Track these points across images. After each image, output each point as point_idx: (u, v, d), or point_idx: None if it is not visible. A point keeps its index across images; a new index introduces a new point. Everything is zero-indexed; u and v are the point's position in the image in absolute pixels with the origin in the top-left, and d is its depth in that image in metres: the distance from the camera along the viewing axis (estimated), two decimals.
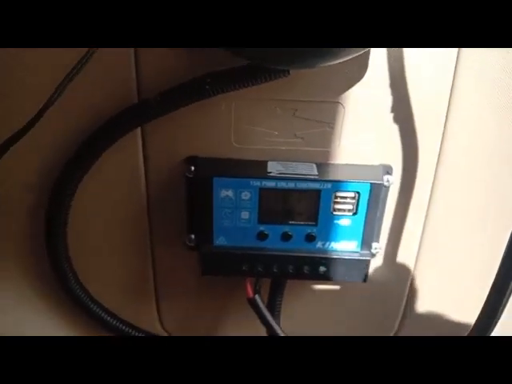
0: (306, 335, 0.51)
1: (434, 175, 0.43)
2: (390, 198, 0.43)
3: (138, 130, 0.41)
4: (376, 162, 0.42)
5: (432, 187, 0.44)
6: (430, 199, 0.44)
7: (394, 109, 0.40)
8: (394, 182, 0.42)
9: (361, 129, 0.41)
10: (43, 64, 0.38)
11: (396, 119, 0.40)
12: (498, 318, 0.35)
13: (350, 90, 0.39)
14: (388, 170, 0.42)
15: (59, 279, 0.46)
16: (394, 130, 0.41)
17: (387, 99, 0.40)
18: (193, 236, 0.44)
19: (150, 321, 0.51)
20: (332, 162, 0.42)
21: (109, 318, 0.49)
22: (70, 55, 0.33)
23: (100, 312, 0.48)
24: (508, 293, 0.34)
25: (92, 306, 0.48)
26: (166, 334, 0.52)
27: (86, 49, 0.32)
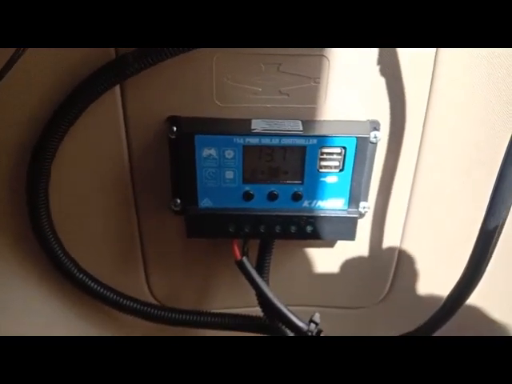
0: (295, 297, 0.51)
1: (422, 131, 0.42)
2: (377, 157, 0.42)
3: (118, 89, 0.40)
4: (364, 119, 0.41)
5: (420, 143, 0.43)
6: (418, 156, 0.43)
7: (380, 61, 0.39)
8: (381, 138, 0.41)
9: (347, 83, 0.40)
10: None
11: (383, 72, 0.39)
12: (481, 276, 0.35)
13: None
14: (375, 126, 0.41)
15: (44, 248, 0.45)
16: (381, 85, 0.40)
17: (373, 51, 0.38)
18: (178, 200, 0.44)
19: (139, 288, 0.51)
20: (318, 119, 0.41)
21: (98, 287, 0.48)
22: None
23: (88, 280, 0.47)
24: (490, 252, 0.34)
25: (79, 274, 0.47)
26: (154, 301, 0.52)
27: None
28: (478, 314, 0.52)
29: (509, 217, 0.33)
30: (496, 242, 0.34)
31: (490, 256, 0.35)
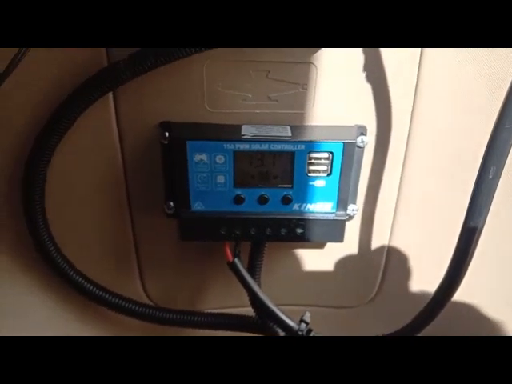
0: (286, 297, 0.52)
1: (408, 135, 0.43)
2: (365, 160, 0.44)
3: (110, 96, 0.41)
4: (351, 124, 0.42)
5: (406, 147, 0.44)
6: (404, 159, 0.44)
7: (366, 68, 0.40)
8: (368, 142, 0.42)
9: (334, 89, 0.41)
10: None
11: (369, 78, 0.40)
12: (463, 273, 0.36)
13: (322, 50, 0.39)
14: (362, 131, 0.42)
15: (39, 250, 0.46)
16: (367, 90, 0.41)
17: (359, 58, 0.39)
18: (171, 203, 0.45)
19: (134, 289, 0.52)
20: (306, 124, 0.42)
21: (94, 289, 0.49)
22: None
23: (83, 282, 0.48)
24: (471, 251, 0.36)
25: (75, 276, 0.48)
26: (149, 302, 0.53)
27: None
28: (464, 311, 0.53)
29: (489, 216, 0.34)
30: (477, 241, 0.35)
31: (472, 254, 0.36)
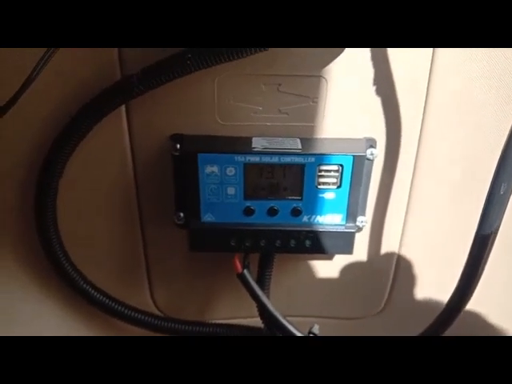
0: (295, 308, 0.52)
1: (418, 148, 0.43)
2: (374, 172, 0.44)
3: (123, 108, 0.41)
4: (360, 136, 0.43)
5: (416, 160, 0.44)
6: (413, 172, 0.45)
7: (376, 81, 0.40)
8: (378, 155, 0.42)
9: (344, 103, 0.41)
10: None
11: (378, 92, 0.41)
12: (476, 283, 0.36)
13: (333, 64, 0.39)
14: (372, 144, 0.42)
15: (51, 261, 0.46)
16: (377, 103, 0.41)
17: (369, 72, 0.40)
18: (181, 214, 0.45)
19: (143, 299, 0.52)
20: (316, 137, 0.42)
21: (104, 299, 0.49)
22: None
23: (93, 292, 0.49)
24: (481, 268, 0.35)
25: (86, 286, 0.48)
26: (158, 313, 0.53)
27: None
28: (475, 320, 0.53)
29: (504, 223, 0.34)
30: (490, 249, 0.35)
31: (485, 262, 0.36)
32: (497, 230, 0.34)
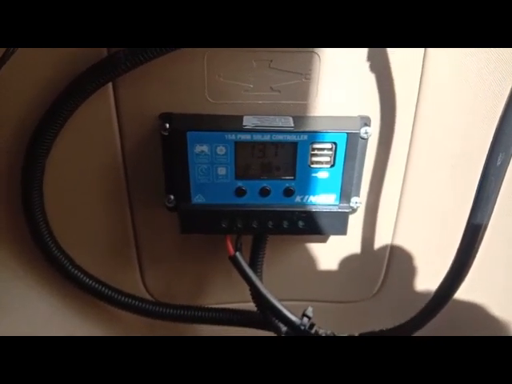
0: (289, 291, 0.52)
1: (413, 127, 0.42)
2: (369, 152, 0.43)
3: (110, 87, 0.40)
4: (354, 114, 0.42)
5: (411, 139, 0.43)
6: (409, 152, 0.44)
7: (370, 57, 0.39)
8: (372, 133, 0.41)
9: (338, 79, 0.40)
10: None
11: (373, 68, 0.40)
12: (468, 269, 0.36)
13: None
14: (366, 122, 0.41)
15: (38, 245, 0.45)
16: (371, 80, 0.40)
17: (364, 47, 0.39)
18: (172, 196, 0.44)
19: (134, 283, 0.51)
20: (309, 115, 0.41)
21: (93, 283, 0.48)
22: None
23: (82, 276, 0.48)
24: (476, 245, 0.35)
25: (74, 271, 0.47)
26: (149, 297, 0.52)
27: None
28: (466, 307, 0.52)
29: (495, 211, 0.34)
30: (483, 234, 0.35)
31: (477, 249, 0.35)
32: (492, 207, 0.34)
